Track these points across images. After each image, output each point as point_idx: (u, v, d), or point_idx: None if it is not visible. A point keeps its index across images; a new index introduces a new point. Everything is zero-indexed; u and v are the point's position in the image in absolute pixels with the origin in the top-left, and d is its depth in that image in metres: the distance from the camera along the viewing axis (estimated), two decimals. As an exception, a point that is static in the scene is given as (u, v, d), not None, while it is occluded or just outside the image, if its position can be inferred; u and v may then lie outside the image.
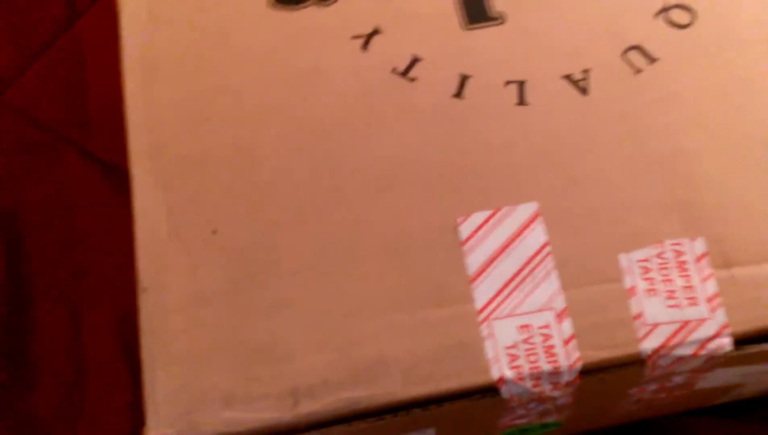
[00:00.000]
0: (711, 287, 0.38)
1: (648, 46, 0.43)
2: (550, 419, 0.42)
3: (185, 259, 0.39)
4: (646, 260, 0.38)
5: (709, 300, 0.37)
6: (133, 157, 0.41)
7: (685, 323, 0.37)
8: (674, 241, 0.39)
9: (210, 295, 0.38)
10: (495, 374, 0.36)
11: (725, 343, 0.37)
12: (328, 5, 0.45)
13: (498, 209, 0.40)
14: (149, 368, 0.37)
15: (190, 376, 0.36)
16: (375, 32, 0.44)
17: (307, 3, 0.45)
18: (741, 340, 0.37)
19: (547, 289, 0.38)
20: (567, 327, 0.37)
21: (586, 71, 0.43)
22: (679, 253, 0.38)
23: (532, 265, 0.39)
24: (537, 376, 0.36)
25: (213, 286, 0.38)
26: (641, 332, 0.37)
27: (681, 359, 0.37)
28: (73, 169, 0.59)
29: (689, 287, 0.38)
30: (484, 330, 0.37)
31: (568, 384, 0.37)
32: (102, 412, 0.53)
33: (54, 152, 0.59)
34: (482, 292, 0.38)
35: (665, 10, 0.44)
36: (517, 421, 0.42)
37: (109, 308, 0.55)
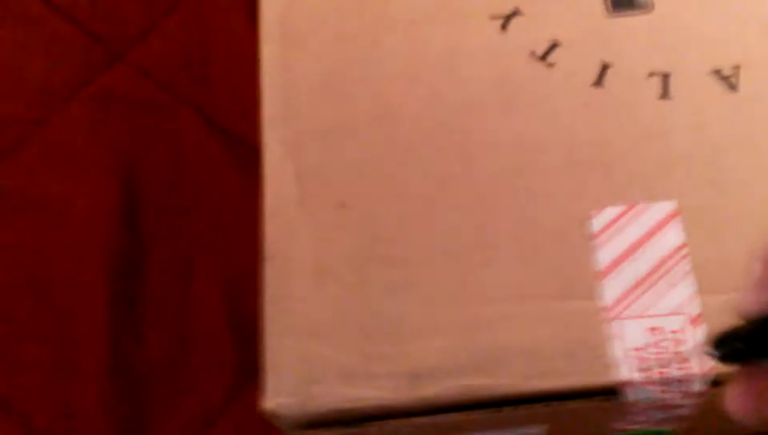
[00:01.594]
0: None
1: (805, 46, 0.41)
2: (666, 428, 0.41)
3: (312, 230, 0.39)
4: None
5: None
6: (266, 123, 0.41)
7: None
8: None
9: (335, 268, 0.38)
10: (622, 375, 0.35)
11: None
12: (468, -17, 0.44)
13: (633, 205, 0.38)
14: (272, 336, 0.37)
15: (311, 347, 0.36)
16: (515, 13, 0.43)
17: (448, -21, 0.44)
18: None
19: (681, 293, 0.36)
20: (701, 333, 0.36)
21: (736, 67, 0.41)
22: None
23: (666, 266, 0.37)
24: (666, 382, 0.35)
25: (339, 260, 0.38)
26: (780, 346, 0.35)
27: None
28: (193, 133, 0.59)
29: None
30: (612, 329, 0.36)
31: (699, 393, 0.35)
32: (204, 372, 0.54)
33: (175, 115, 0.60)
34: (611, 289, 0.37)
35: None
36: (631, 426, 0.41)
37: (218, 274, 0.56)
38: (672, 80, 0.41)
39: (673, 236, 0.38)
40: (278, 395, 0.35)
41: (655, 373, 0.35)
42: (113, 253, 0.56)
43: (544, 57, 0.42)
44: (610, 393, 0.36)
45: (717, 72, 0.41)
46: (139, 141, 0.59)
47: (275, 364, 0.36)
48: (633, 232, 0.38)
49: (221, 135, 0.59)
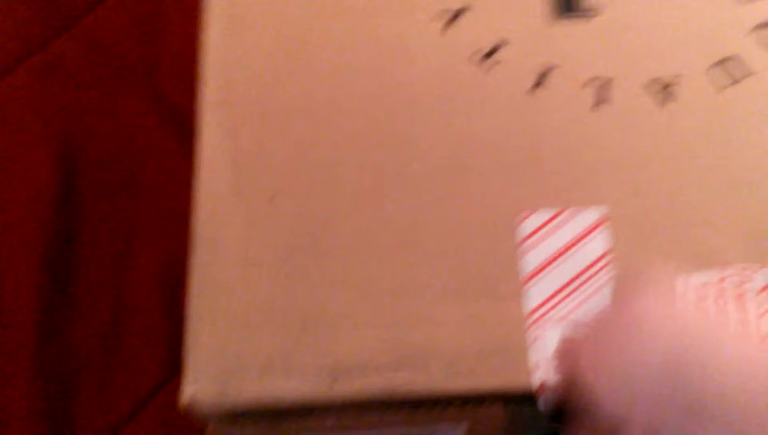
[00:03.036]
0: (766, 325, 0.36)
1: (743, 60, 0.41)
2: None
3: (244, 217, 0.39)
4: (705, 285, 0.37)
5: (764, 339, 0.36)
6: (204, 105, 0.41)
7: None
8: (737, 269, 0.37)
9: (263, 257, 0.38)
10: (537, 380, 0.36)
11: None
12: (417, -24, 0.44)
13: (563, 210, 0.39)
14: (194, 322, 0.37)
15: (233, 336, 0.36)
16: (464, 9, 0.43)
17: (396, -28, 0.44)
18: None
19: (602, 300, 0.37)
20: (619, 341, 0.36)
21: (675, 77, 0.41)
22: (739, 283, 0.37)
23: (590, 272, 0.38)
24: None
25: (267, 249, 0.38)
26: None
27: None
28: (137, 108, 0.59)
29: (743, 318, 0.37)
30: (533, 333, 0.36)
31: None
32: (138, 352, 0.54)
33: (122, 88, 0.59)
34: (535, 294, 0.37)
35: (762, 26, 0.42)
36: None
37: (155, 252, 0.55)
38: (610, 87, 0.41)
39: (599, 243, 0.38)
40: (196, 383, 0.35)
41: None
42: (47, 231, 0.56)
43: (488, 56, 0.42)
44: (525, 400, 0.36)
45: (655, 81, 0.41)
46: (82, 115, 0.58)
47: (196, 354, 0.36)
48: (561, 237, 0.38)
49: (168, 112, 0.59)
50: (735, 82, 0.41)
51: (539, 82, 0.41)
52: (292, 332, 0.37)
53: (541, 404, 0.35)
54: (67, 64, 0.60)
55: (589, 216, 0.39)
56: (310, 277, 0.38)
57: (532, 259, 0.38)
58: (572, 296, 0.37)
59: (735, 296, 0.37)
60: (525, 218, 0.39)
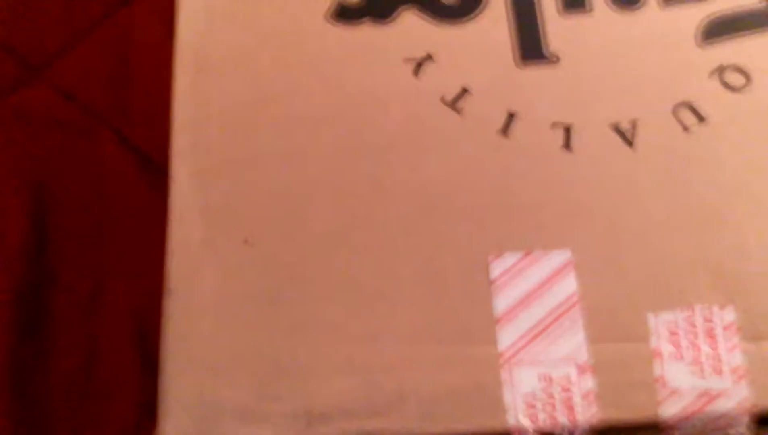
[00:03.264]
0: (737, 358, 0.37)
1: (699, 105, 0.43)
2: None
3: (215, 266, 0.39)
4: (674, 322, 0.38)
5: (735, 371, 0.37)
6: (174, 156, 0.42)
7: (706, 392, 0.37)
8: (704, 306, 0.38)
9: (236, 305, 0.38)
10: (510, 421, 0.36)
11: (742, 419, 0.36)
12: (384, 24, 0.45)
13: (530, 252, 0.40)
14: (168, 372, 0.37)
15: (207, 385, 0.37)
16: (428, 58, 0.44)
17: (364, 20, 0.45)
18: (761, 419, 0.37)
19: (571, 341, 0.38)
20: (588, 382, 0.37)
21: (633, 121, 0.43)
22: (707, 319, 0.38)
23: (558, 313, 0.38)
24: (552, 429, 0.36)
25: (240, 297, 0.38)
26: (661, 396, 0.37)
27: (697, 429, 0.37)
28: (108, 154, 0.59)
29: (715, 355, 0.38)
30: (505, 374, 0.37)
31: (582, 440, 0.37)
32: (111, 395, 0.53)
33: (91, 135, 0.59)
34: (506, 335, 0.38)
35: (720, 70, 0.43)
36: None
37: (127, 297, 0.55)
38: (574, 131, 0.42)
39: (567, 284, 0.39)
40: (172, 433, 0.35)
41: (542, 420, 0.36)
42: (18, 277, 0.55)
43: (454, 102, 0.43)
44: (500, 437, 0.37)
45: (615, 126, 0.42)
46: (52, 162, 0.58)
47: (171, 402, 0.36)
48: (530, 278, 0.39)
49: (138, 159, 0.59)
50: (696, 123, 0.42)
51: (505, 127, 0.42)
52: (265, 379, 0.37)
53: None
54: (36, 111, 0.60)
55: (557, 258, 0.40)
56: (282, 324, 0.38)
57: (502, 301, 0.39)
58: (542, 336, 0.38)
59: (705, 332, 0.38)
60: (493, 260, 0.39)
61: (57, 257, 0.56)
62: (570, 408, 0.36)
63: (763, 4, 0.45)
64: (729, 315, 0.38)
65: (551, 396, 0.37)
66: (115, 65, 0.61)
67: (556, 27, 0.45)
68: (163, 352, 0.37)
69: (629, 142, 0.42)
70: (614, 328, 0.38)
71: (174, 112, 0.43)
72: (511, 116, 0.43)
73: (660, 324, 0.38)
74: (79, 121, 0.59)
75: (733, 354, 0.38)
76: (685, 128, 0.42)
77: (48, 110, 0.60)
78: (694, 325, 0.38)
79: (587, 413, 0.36)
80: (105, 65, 0.61)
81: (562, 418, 0.36)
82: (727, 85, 0.43)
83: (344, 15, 0.45)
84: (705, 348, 0.38)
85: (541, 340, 0.38)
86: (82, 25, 0.63)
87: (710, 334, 0.38)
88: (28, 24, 0.63)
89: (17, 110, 0.60)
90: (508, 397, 0.37)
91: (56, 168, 0.58)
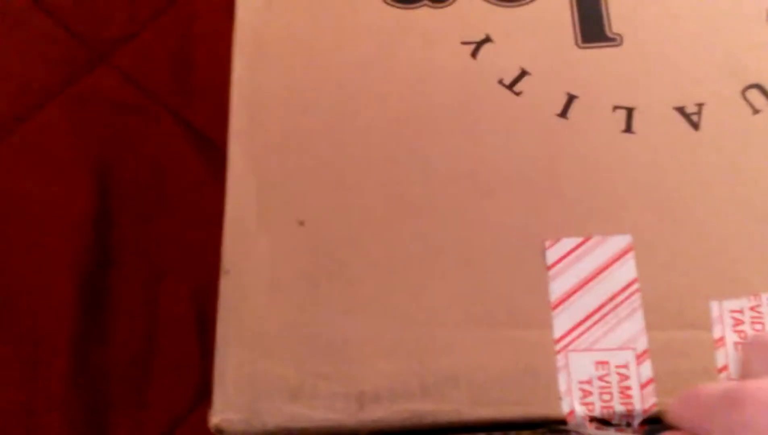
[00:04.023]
0: (805, 350, 0.36)
1: (769, 87, 0.41)
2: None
3: (269, 246, 0.39)
4: (739, 311, 0.37)
5: (802, 363, 0.36)
6: (232, 137, 0.42)
7: (773, 384, 0.35)
8: (766, 297, 0.37)
9: (289, 286, 0.38)
10: (565, 408, 0.35)
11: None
12: (442, 7, 0.44)
13: (589, 237, 0.39)
14: (222, 351, 0.37)
15: (260, 363, 0.37)
16: (486, 40, 0.43)
17: (421, 3, 0.44)
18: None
19: (630, 328, 0.37)
20: (646, 369, 0.36)
21: (700, 105, 0.41)
22: (773, 309, 0.37)
23: (617, 300, 0.37)
24: (608, 417, 0.35)
25: (293, 278, 0.38)
26: (724, 386, 0.35)
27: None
28: (169, 137, 0.60)
29: (782, 346, 0.36)
30: (560, 361, 0.36)
31: (638, 429, 0.36)
32: (170, 375, 0.54)
33: (153, 118, 0.60)
34: (562, 321, 0.37)
35: (793, 50, 0.42)
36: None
37: (188, 278, 0.56)
38: (636, 114, 0.41)
39: (626, 270, 0.38)
40: (224, 411, 0.36)
41: (598, 407, 0.35)
42: (83, 258, 0.57)
43: (512, 85, 0.42)
44: (554, 425, 0.36)
45: (680, 109, 0.41)
46: (117, 145, 0.60)
47: (223, 379, 0.36)
48: (588, 264, 0.38)
49: (201, 142, 0.60)
50: (757, 111, 0.41)
51: (564, 109, 0.41)
52: (317, 359, 0.37)
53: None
54: (102, 95, 0.61)
55: (615, 244, 0.38)
56: (334, 303, 0.38)
57: (558, 286, 0.38)
58: (599, 323, 0.37)
59: (769, 321, 0.36)
60: (551, 246, 0.39)
61: (119, 237, 0.57)
62: (627, 396, 0.35)
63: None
64: (796, 305, 0.37)
65: (608, 383, 0.36)
66: (176, 50, 0.62)
67: (620, 7, 0.43)
68: (217, 330, 0.38)
69: (695, 126, 0.41)
70: (676, 315, 0.37)
71: (231, 93, 0.43)
72: (570, 98, 0.42)
73: (724, 312, 0.37)
74: (143, 105, 0.61)
75: (801, 345, 0.36)
76: (755, 111, 0.41)
77: (113, 94, 0.61)
78: (760, 314, 0.37)
79: (645, 402, 0.35)
80: (167, 50, 0.62)
81: (619, 407, 0.35)
82: (799, 67, 0.41)
83: (402, -3, 0.44)
84: (772, 338, 0.36)
85: (598, 327, 0.37)
86: (146, 13, 0.64)
87: (777, 324, 0.36)
88: (93, 11, 0.65)
89: (85, 93, 0.61)
90: (563, 383, 0.36)
91: (121, 151, 0.60)
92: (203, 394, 0.53)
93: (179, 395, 0.53)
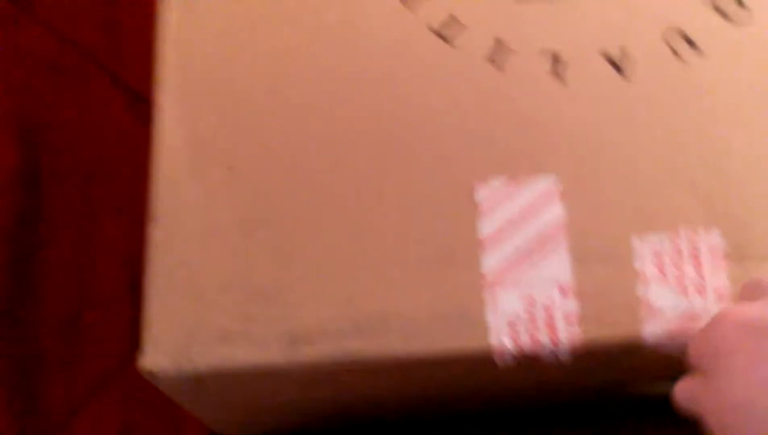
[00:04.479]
0: (721, 280, 0.37)
1: (692, 33, 0.42)
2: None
3: (201, 194, 0.39)
4: (658, 245, 0.38)
5: (718, 292, 0.37)
6: (160, 86, 0.41)
7: (689, 312, 0.37)
8: (689, 229, 0.38)
9: (220, 232, 0.38)
10: (493, 341, 0.36)
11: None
12: (370, -46, 0.44)
13: (517, 177, 0.39)
14: (151, 297, 0.37)
15: (190, 309, 0.37)
16: (414, -14, 0.43)
17: (350, -51, 0.44)
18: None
19: (555, 264, 0.38)
20: (570, 303, 0.37)
21: (623, 49, 0.42)
22: (693, 242, 0.38)
23: (542, 236, 0.38)
24: (534, 349, 0.36)
25: (224, 225, 0.38)
26: (644, 316, 0.37)
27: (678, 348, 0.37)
28: (100, 94, 0.59)
29: (698, 277, 0.37)
30: (487, 296, 0.37)
31: (564, 359, 0.37)
32: (102, 331, 0.54)
33: (83, 75, 0.59)
34: (490, 258, 0.38)
35: (713, -4, 0.43)
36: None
37: (119, 235, 0.55)
38: (563, 60, 0.42)
39: (552, 209, 0.39)
40: (154, 355, 0.36)
41: (526, 341, 0.36)
42: (11, 214, 0.56)
43: (442, 31, 0.43)
44: (483, 358, 0.37)
45: (605, 53, 0.42)
46: (44, 100, 0.58)
47: (154, 325, 0.36)
48: (515, 204, 0.39)
49: (129, 96, 0.59)
50: (687, 50, 0.42)
51: (493, 56, 0.42)
52: (249, 303, 0.37)
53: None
54: (28, 50, 0.60)
55: (543, 183, 0.39)
56: (266, 250, 0.38)
57: (487, 225, 0.39)
58: (525, 260, 0.38)
59: (689, 253, 0.38)
60: (479, 186, 0.39)
61: (49, 195, 0.56)
62: (552, 328, 0.36)
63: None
64: (715, 238, 0.38)
65: (534, 317, 0.37)
66: (104, 4, 0.61)
67: (545, -47, 0.44)
68: (146, 276, 0.37)
69: (619, 71, 0.42)
70: (598, 251, 0.38)
71: (158, 43, 0.42)
72: (499, 45, 0.42)
73: (644, 246, 0.38)
74: (70, 60, 0.59)
75: (716, 275, 0.37)
76: (678, 56, 0.42)
77: (39, 49, 0.60)
78: (678, 248, 0.38)
79: (569, 333, 0.36)
80: (94, 3, 0.61)
81: (545, 339, 0.36)
82: (722, 14, 0.42)
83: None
84: (689, 269, 0.37)
85: (524, 263, 0.38)
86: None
87: (694, 256, 0.38)
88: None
89: (10, 48, 0.60)
90: (490, 318, 0.37)
91: (48, 106, 0.58)
92: (136, 348, 0.53)
93: (112, 350, 0.53)
